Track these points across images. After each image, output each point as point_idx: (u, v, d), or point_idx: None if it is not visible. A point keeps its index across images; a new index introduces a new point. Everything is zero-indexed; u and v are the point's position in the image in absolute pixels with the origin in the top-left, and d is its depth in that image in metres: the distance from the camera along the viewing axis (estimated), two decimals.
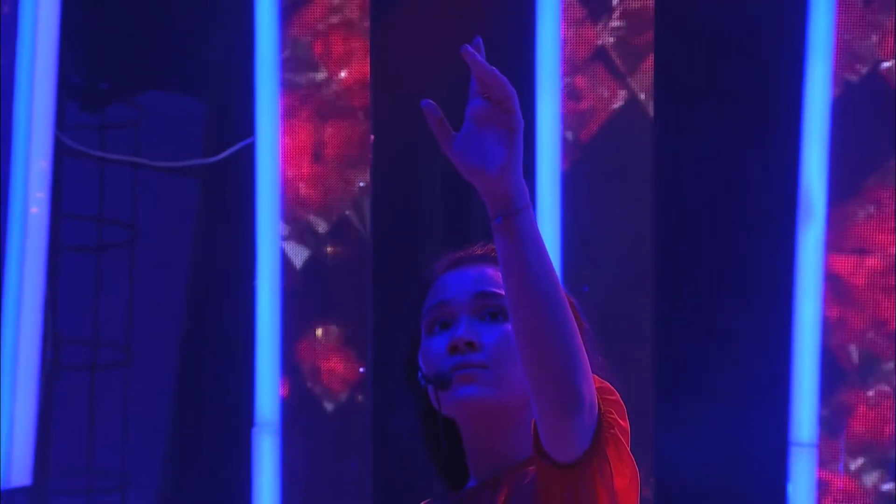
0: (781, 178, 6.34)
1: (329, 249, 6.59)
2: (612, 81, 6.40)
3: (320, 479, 6.53)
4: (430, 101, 2.24)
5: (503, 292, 2.34)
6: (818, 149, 6.22)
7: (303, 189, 6.56)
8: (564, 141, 6.30)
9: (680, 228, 6.34)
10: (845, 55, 6.36)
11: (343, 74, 6.52)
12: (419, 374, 2.52)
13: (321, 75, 6.53)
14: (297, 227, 6.50)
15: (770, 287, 6.35)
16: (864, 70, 6.39)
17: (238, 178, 6.55)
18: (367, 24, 6.47)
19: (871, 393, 6.17)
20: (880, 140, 6.30)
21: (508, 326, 2.42)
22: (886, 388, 6.18)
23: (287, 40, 6.55)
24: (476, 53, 2.21)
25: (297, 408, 6.47)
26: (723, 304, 6.34)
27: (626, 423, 2.39)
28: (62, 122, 6.79)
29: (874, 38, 6.23)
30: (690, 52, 6.43)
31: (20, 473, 6.67)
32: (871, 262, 6.27)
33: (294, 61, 6.54)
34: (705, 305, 6.36)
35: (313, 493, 6.50)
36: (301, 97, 6.49)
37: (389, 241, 6.51)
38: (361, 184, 6.51)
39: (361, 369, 6.39)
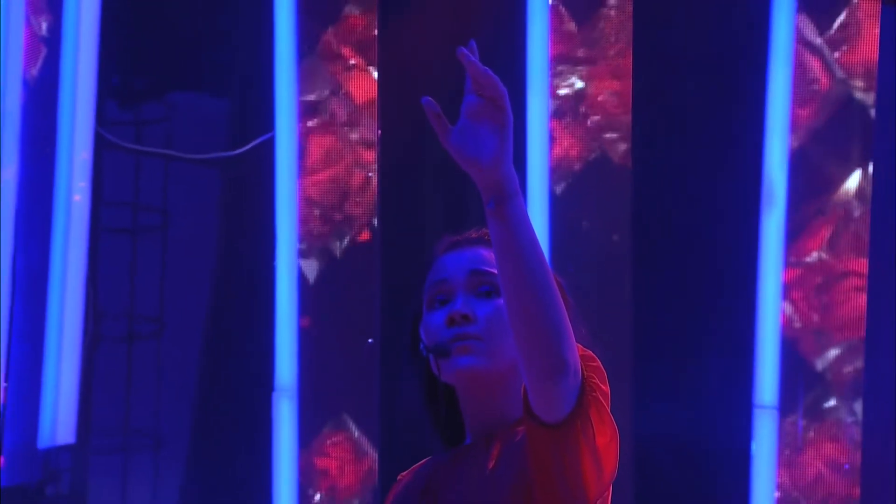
0: (746, 169, 6.32)
1: (343, 239, 6.57)
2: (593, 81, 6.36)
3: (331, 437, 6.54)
4: (429, 98, 2.27)
5: (496, 271, 2.37)
6: (780, 144, 6.17)
7: (318, 178, 6.56)
8: (551, 133, 6.26)
9: (658, 214, 6.32)
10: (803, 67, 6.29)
11: (353, 77, 6.51)
12: (421, 345, 2.55)
13: (334, 77, 6.53)
14: (312, 212, 6.50)
15: (736, 266, 6.32)
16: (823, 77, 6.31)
17: (259, 168, 6.56)
18: (374, 32, 6.45)
19: (829, 357, 6.12)
20: (839, 140, 6.25)
21: (500, 301, 2.46)
22: (841, 353, 6.12)
23: (303, 45, 6.51)
24: (471, 55, 2.23)
25: (312, 375, 6.50)
26: (695, 281, 6.31)
27: (606, 388, 2.42)
28: (102, 118, 6.87)
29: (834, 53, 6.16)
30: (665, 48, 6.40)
31: (65, 433, 6.71)
32: (825, 230, 6.20)
33: (310, 63, 6.53)
34: (679, 282, 6.33)
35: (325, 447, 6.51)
36: (318, 96, 6.49)
37: (395, 228, 6.52)
38: (370, 174, 6.51)
39: (370, 340, 6.39)
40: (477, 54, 2.30)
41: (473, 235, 2.63)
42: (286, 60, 6.64)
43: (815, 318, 6.43)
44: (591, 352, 2.45)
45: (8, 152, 7.19)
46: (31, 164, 7.18)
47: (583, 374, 2.40)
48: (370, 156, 6.64)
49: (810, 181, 6.53)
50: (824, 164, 6.49)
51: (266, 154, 6.65)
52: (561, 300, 2.35)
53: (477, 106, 2.29)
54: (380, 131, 6.56)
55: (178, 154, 7.19)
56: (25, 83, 7.21)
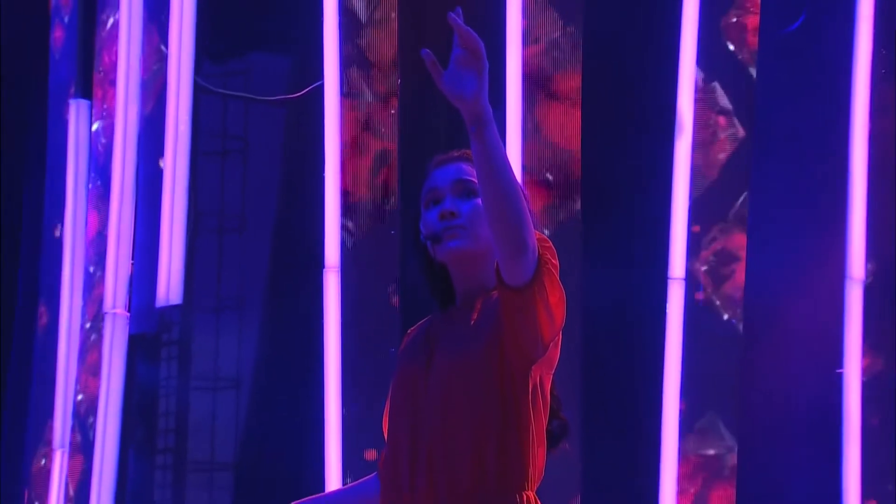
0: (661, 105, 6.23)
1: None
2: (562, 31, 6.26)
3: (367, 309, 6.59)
4: (427, 50, 2.20)
5: (474, 179, 2.30)
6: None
7: (357, 114, 6.61)
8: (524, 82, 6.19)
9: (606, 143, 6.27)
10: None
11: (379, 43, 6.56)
12: (421, 236, 2.49)
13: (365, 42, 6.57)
14: (353, 138, 6.55)
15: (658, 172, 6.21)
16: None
17: (313, 107, 6.53)
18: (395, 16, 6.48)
19: (723, 239, 6.01)
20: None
21: (478, 201, 2.41)
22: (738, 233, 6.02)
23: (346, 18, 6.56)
24: (457, 18, 2.15)
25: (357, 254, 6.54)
26: (627, 191, 6.22)
27: (556, 262, 2.38)
28: (199, 71, 6.86)
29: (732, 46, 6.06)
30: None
31: (175, 296, 6.76)
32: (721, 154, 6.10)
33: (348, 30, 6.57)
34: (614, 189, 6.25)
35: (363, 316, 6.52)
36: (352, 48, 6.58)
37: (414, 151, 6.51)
38: (392, 111, 6.52)
39: (392, 231, 6.38)
40: (462, 18, 2.23)
41: (456, 154, 2.61)
42: (332, 27, 6.59)
43: None
44: (544, 235, 2.39)
45: (132, 97, 7.20)
46: (146, 104, 7.19)
47: (539, 252, 2.34)
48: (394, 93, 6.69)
49: None
50: None
51: (317, 96, 6.58)
52: (523, 200, 2.30)
53: (462, 56, 2.24)
54: (399, 80, 6.51)
55: (254, 96, 7.23)
56: (143, 41, 7.27)
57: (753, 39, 6.19)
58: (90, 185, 7.59)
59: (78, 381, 7.46)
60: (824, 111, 6.07)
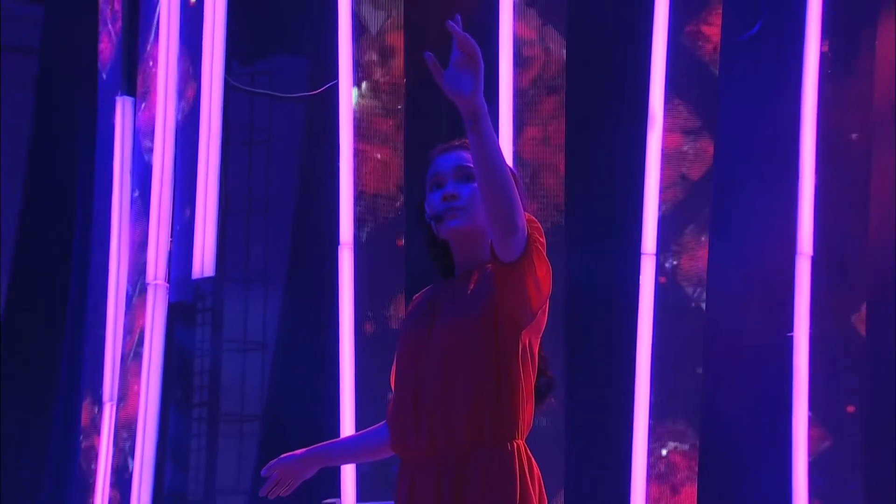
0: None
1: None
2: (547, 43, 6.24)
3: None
4: (429, 53, 2.19)
5: (472, 165, 2.27)
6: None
7: (369, 102, 6.63)
8: (514, 83, 6.20)
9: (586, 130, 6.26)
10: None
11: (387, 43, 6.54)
12: (425, 216, 2.47)
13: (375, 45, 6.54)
14: (365, 126, 6.56)
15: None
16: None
17: (330, 103, 6.53)
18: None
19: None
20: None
21: (475, 185, 2.36)
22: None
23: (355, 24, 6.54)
24: (456, 26, 2.14)
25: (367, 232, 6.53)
26: (605, 178, 6.22)
27: (543, 239, 2.38)
28: (229, 71, 6.87)
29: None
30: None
31: (208, 269, 6.77)
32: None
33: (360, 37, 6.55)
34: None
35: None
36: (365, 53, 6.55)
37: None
38: (399, 107, 6.52)
39: (399, 213, 6.38)
40: (461, 25, 2.21)
41: (456, 143, 2.58)
42: (346, 33, 6.65)
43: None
44: (532, 216, 2.39)
45: (171, 96, 7.17)
46: (180, 99, 7.22)
47: (528, 231, 2.33)
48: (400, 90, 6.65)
49: None
50: None
51: (332, 93, 6.57)
52: (513, 184, 2.30)
53: (460, 58, 2.22)
54: (405, 79, 6.50)
55: (277, 94, 7.17)
56: (180, 47, 7.25)
57: (716, 46, 6.22)
58: (133, 173, 7.61)
59: (125, 343, 7.48)
60: (778, 111, 6.09)
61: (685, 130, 6.21)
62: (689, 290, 6.12)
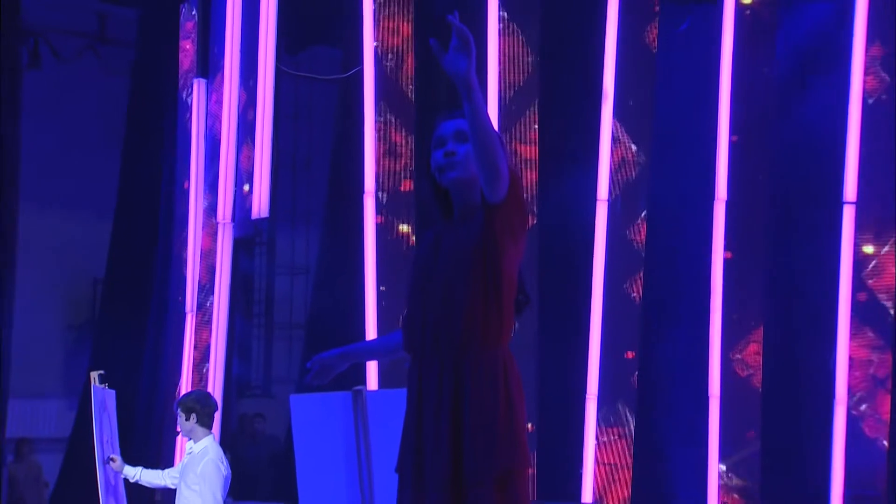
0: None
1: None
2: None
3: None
4: (434, 39, 2.07)
5: (467, 129, 2.17)
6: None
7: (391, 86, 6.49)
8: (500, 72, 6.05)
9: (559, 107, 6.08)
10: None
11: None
12: (431, 168, 2.37)
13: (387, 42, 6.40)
14: (388, 103, 6.40)
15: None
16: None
17: (357, 84, 6.38)
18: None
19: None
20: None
21: (469, 144, 2.25)
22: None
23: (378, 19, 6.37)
24: (455, 20, 2.03)
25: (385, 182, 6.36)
26: (570, 144, 6.06)
27: (522, 185, 2.24)
28: (280, 58, 6.63)
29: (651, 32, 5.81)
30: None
31: (263, 211, 6.63)
32: None
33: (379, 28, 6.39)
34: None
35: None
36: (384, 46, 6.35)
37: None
38: (411, 85, 6.33)
39: (410, 169, 6.27)
40: (458, 18, 2.10)
41: (456, 112, 2.45)
42: (369, 28, 6.55)
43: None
44: (514, 170, 2.29)
45: (234, 80, 6.94)
46: (242, 82, 7.08)
47: (511, 179, 2.22)
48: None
49: None
50: None
51: (358, 75, 6.44)
52: (499, 143, 2.19)
53: (457, 45, 2.10)
54: (414, 62, 6.37)
55: (316, 76, 7.02)
56: (241, 38, 7.09)
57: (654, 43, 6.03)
58: (207, 146, 7.48)
59: (201, 266, 7.42)
60: (703, 110, 5.84)
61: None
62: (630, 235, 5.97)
